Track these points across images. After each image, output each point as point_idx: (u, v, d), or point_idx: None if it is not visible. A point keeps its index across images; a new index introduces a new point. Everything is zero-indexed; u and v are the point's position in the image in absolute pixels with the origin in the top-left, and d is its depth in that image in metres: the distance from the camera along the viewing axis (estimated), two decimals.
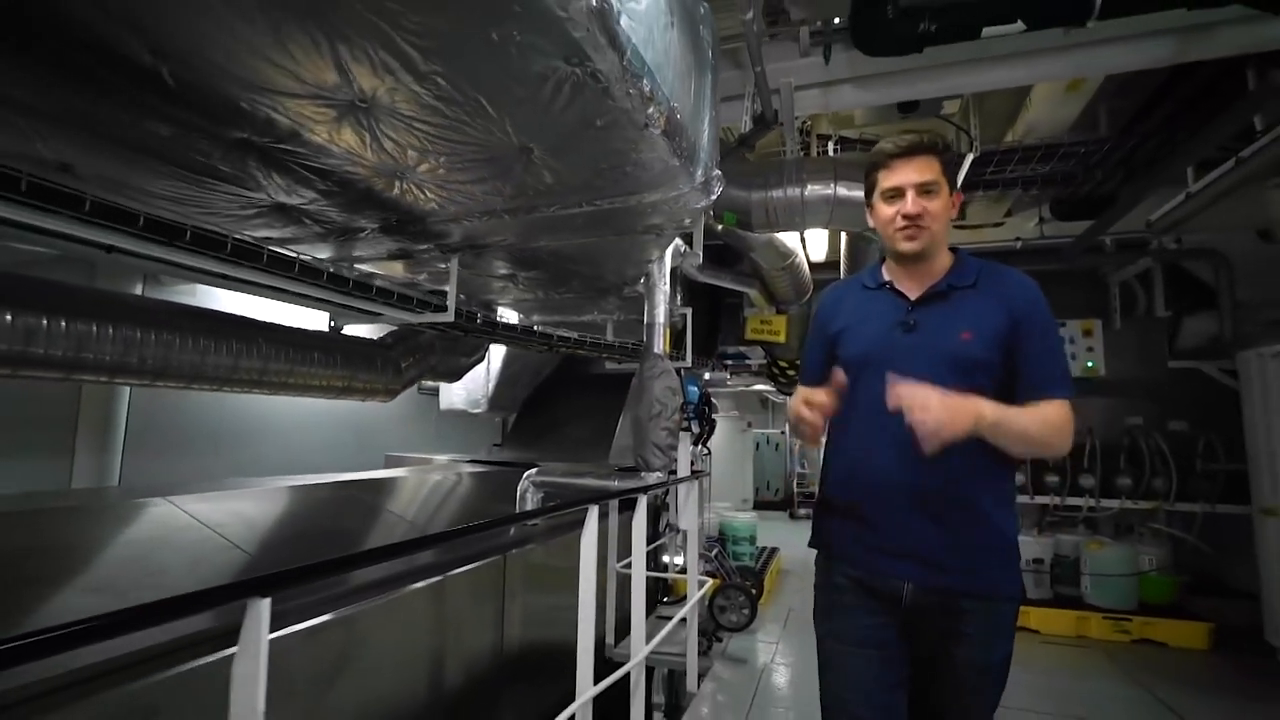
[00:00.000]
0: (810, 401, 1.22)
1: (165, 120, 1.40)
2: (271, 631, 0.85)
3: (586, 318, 4.19)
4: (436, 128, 1.42)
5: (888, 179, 1.29)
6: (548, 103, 1.31)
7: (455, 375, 3.99)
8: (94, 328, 1.94)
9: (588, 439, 5.31)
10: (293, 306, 2.64)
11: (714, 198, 1.92)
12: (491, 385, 5.14)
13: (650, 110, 1.39)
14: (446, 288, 2.58)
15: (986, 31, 1.89)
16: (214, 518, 2.13)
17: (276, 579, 0.82)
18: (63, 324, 1.85)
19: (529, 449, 5.38)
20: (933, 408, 1.06)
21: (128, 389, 3.78)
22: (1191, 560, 4.27)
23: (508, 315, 4.03)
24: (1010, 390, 1.21)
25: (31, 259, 2.03)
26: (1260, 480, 3.42)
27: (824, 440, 1.39)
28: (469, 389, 5.16)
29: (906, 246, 1.28)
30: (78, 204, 1.53)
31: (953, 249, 1.35)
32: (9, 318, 1.70)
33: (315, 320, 2.91)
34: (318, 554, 0.96)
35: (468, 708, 2.32)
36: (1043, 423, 1.16)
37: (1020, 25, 1.86)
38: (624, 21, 1.18)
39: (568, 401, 5.74)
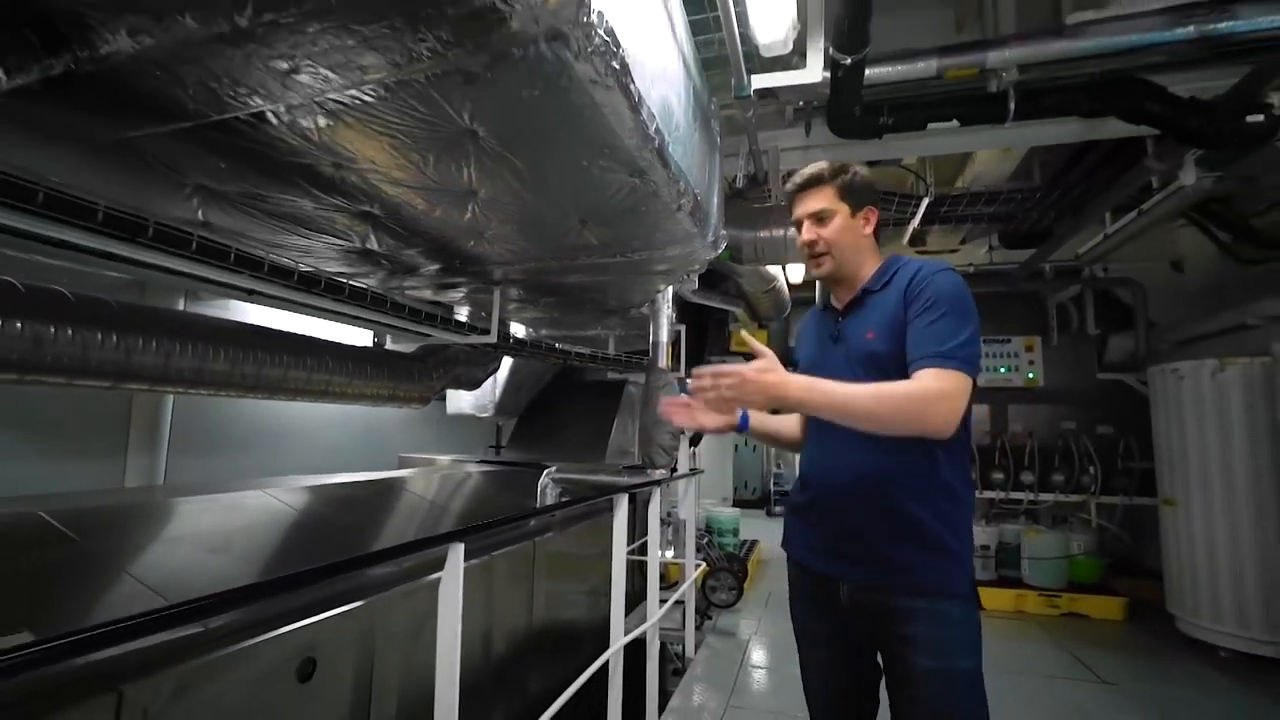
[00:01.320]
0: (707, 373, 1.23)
1: (316, 201, 1.84)
2: (372, 595, 1.33)
3: (591, 333, 4.67)
4: (519, 209, 1.90)
5: (792, 213, 1.40)
6: (609, 198, 1.80)
7: (475, 384, 4.42)
8: (177, 345, 2.29)
9: (584, 441, 5.76)
10: (341, 324, 3.07)
11: (719, 251, 2.42)
12: (498, 391, 5.57)
13: (681, 200, 1.89)
14: (468, 309, 3.05)
15: (931, 126, 2.43)
16: (309, 503, 2.56)
17: (468, 530, 1.30)
18: (154, 343, 2.20)
19: (531, 450, 5.81)
20: (731, 379, 1.13)
21: (171, 396, 4.12)
22: (1114, 545, 4.94)
23: (517, 329, 4.49)
24: None
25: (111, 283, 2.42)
26: (1164, 476, 4.07)
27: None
28: (477, 395, 5.58)
29: (815, 273, 1.39)
30: (185, 244, 1.95)
31: (893, 255, 1.39)
32: (69, 331, 1.94)
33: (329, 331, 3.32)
34: (410, 532, 1.42)
35: (511, 664, 2.78)
36: (876, 395, 1.12)
37: (956, 123, 2.41)
38: (671, 147, 1.68)
39: (565, 406, 6.18)
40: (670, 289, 3.50)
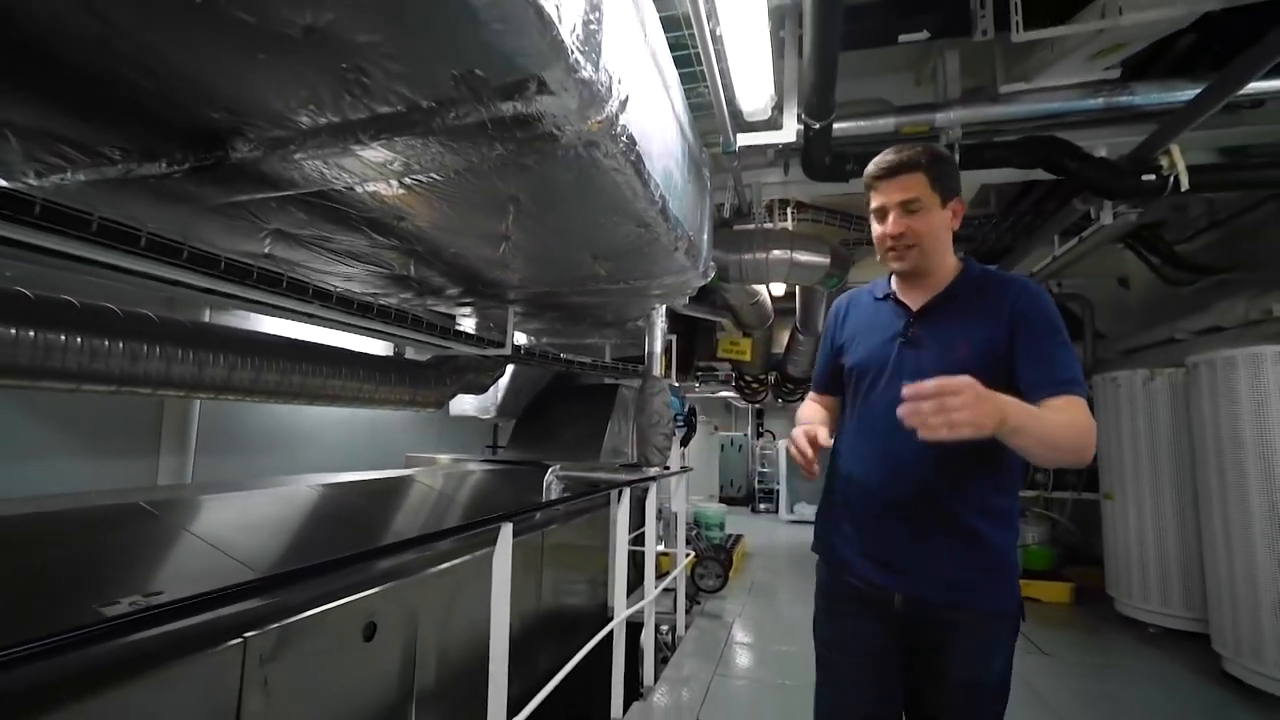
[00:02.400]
0: (810, 439, 1.21)
1: (373, 242, 2.20)
2: (419, 573, 1.70)
3: (589, 341, 5.04)
4: (543, 249, 2.27)
5: (874, 199, 1.26)
6: (618, 242, 2.18)
7: (482, 389, 4.77)
8: (210, 355, 2.57)
9: (578, 441, 6.12)
10: (361, 336, 3.41)
11: (709, 279, 2.81)
12: (500, 395, 5.92)
13: (679, 242, 2.27)
14: (475, 320, 3.42)
15: None
16: (344, 496, 2.91)
17: (516, 513, 1.67)
18: (188, 352, 2.52)
19: (529, 450, 6.17)
20: (963, 395, 0.92)
21: (198, 401, 4.43)
22: (1064, 536, 5.41)
23: (519, 337, 4.85)
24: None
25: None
26: (1105, 473, 4.53)
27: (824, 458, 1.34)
28: (480, 397, 5.92)
29: (894, 266, 1.28)
30: (248, 274, 2.31)
31: (964, 257, 1.31)
32: (120, 345, 2.21)
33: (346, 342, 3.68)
34: (436, 521, 1.79)
35: (523, 641, 3.15)
36: (1069, 424, 1.05)
37: None
38: (671, 204, 2.06)
39: (561, 408, 6.54)
40: (664, 305, 3.88)
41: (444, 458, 6.09)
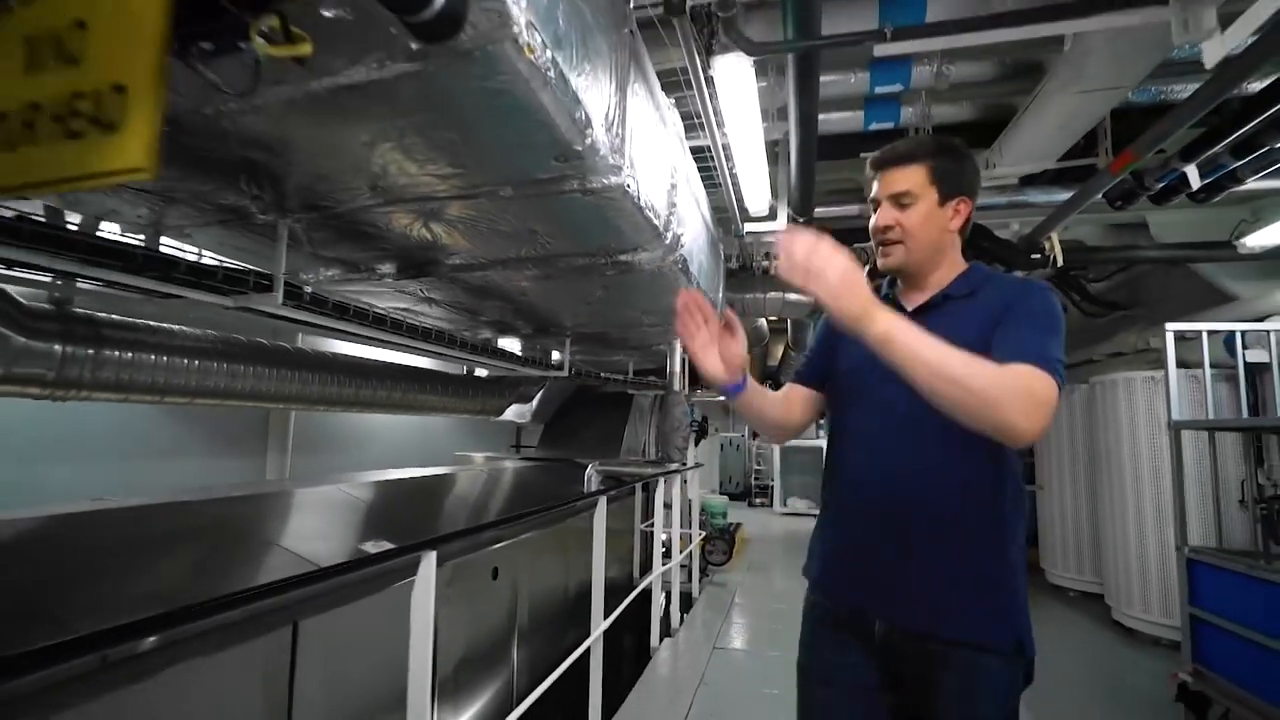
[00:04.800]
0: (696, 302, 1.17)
1: (490, 304, 3.15)
2: (503, 543, 2.66)
3: (614, 358, 6.01)
4: (612, 312, 3.23)
5: (870, 190, 1.19)
6: (664, 306, 3.14)
7: (528, 400, 5.74)
8: (315, 374, 3.61)
9: (600, 440, 7.07)
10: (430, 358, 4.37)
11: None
12: (536, 402, 6.87)
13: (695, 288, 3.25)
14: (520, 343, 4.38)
15: (855, 245, 3.82)
16: (435, 484, 3.86)
17: (609, 490, 2.64)
18: (311, 374, 3.52)
19: (557, 448, 7.13)
20: (817, 254, 0.90)
21: (293, 411, 5.35)
22: None
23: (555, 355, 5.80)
24: None
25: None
26: (1039, 468, 5.54)
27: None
28: (519, 404, 6.88)
29: (881, 263, 1.20)
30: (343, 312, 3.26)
31: (974, 260, 1.21)
32: (250, 368, 3.03)
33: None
34: (512, 504, 2.73)
35: (579, 599, 4.11)
36: (969, 361, 0.89)
37: None
38: (699, 279, 3.03)
39: (585, 413, 7.50)
40: None
41: (478, 456, 7.04)
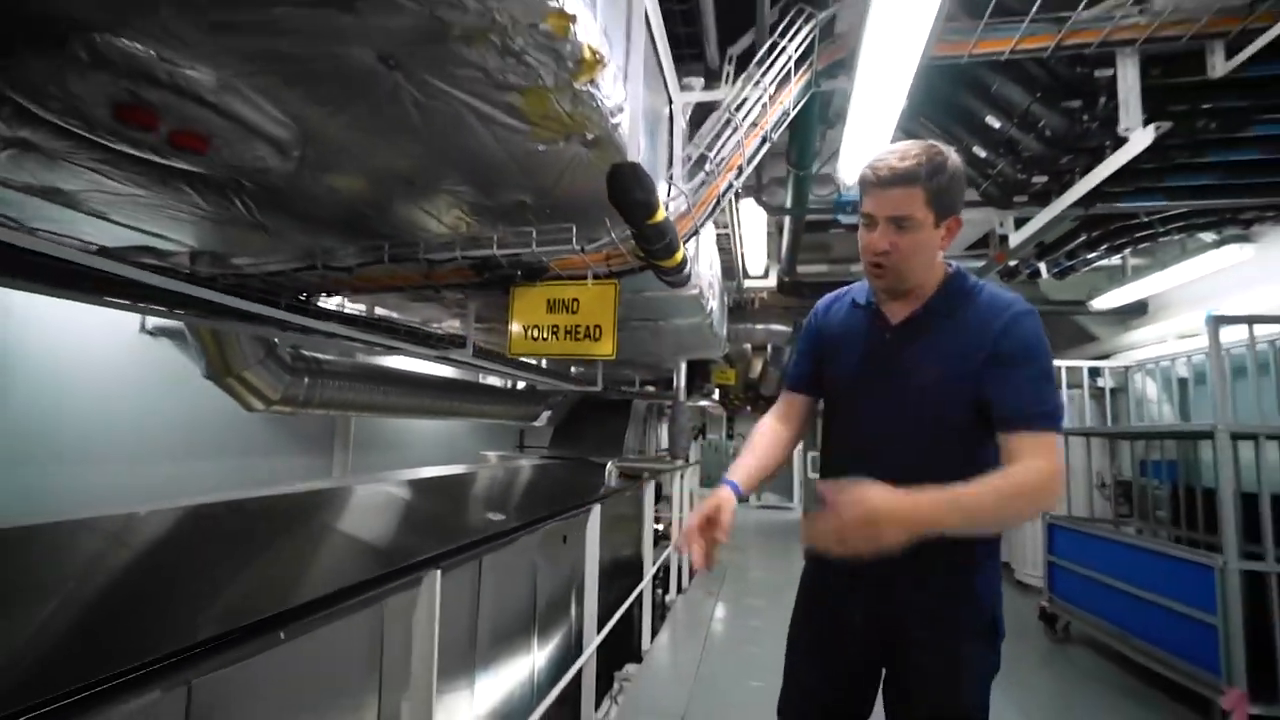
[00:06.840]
0: (703, 522, 1.16)
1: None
2: (552, 523, 3.78)
3: (625, 373, 7.11)
4: (649, 348, 4.34)
5: (865, 203, 1.15)
6: (683, 337, 4.27)
7: (553, 407, 6.80)
8: (380, 387, 4.64)
9: (604, 441, 8.07)
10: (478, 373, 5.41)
11: (725, 351, 4.94)
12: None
13: (717, 338, 4.39)
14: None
15: None
16: (489, 476, 4.91)
17: (657, 473, 3.76)
18: (387, 389, 4.54)
19: (566, 448, 8.12)
20: (848, 533, 0.94)
21: (353, 416, 6.28)
22: None
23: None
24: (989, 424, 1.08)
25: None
26: None
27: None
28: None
29: (871, 281, 1.21)
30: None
31: (953, 267, 1.21)
32: (306, 380, 4.29)
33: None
34: (561, 491, 3.82)
35: (627, 561, 5.19)
36: (1014, 494, 0.98)
37: None
38: (712, 307, 4.17)
39: (590, 416, 8.54)
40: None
41: (492, 454, 7.99)
